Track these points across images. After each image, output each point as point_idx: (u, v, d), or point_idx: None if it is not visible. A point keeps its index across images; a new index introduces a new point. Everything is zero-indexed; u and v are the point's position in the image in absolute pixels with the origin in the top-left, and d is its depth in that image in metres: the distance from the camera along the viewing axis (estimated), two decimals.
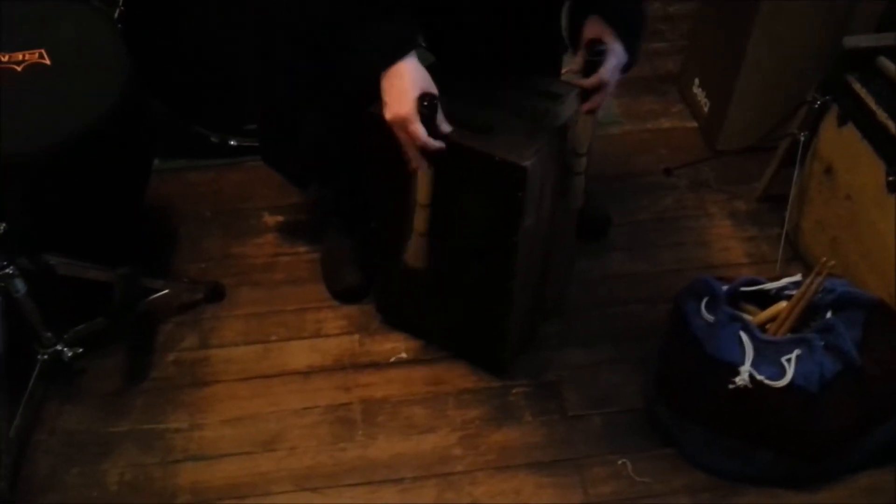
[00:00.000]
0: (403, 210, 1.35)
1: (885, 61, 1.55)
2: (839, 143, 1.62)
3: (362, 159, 1.42)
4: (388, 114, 1.19)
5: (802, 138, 1.71)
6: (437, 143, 1.19)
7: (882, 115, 1.49)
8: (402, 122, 1.18)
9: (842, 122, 1.60)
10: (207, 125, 1.99)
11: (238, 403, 1.52)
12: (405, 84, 1.18)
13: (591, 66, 1.24)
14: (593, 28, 1.25)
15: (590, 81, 1.25)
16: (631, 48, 1.25)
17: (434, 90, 1.20)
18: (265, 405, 1.51)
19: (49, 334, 1.46)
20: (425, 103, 1.17)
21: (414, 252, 1.34)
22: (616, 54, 1.24)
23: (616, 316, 1.67)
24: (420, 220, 1.30)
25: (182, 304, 1.68)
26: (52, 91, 1.44)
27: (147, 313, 1.64)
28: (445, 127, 1.22)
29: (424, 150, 1.20)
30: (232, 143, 2.01)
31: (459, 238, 1.39)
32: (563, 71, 1.27)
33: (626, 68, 1.28)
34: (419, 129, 1.17)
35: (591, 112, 1.30)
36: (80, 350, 1.49)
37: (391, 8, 1.18)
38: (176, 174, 1.99)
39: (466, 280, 1.45)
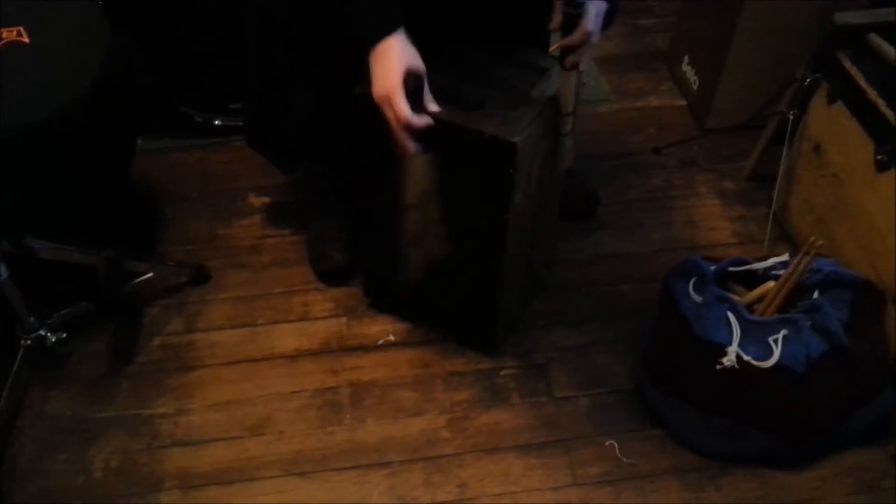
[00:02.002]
0: (392, 191, 1.33)
1: (876, 38, 1.54)
2: (828, 121, 1.61)
3: (353, 136, 1.40)
4: (375, 89, 1.18)
5: (791, 116, 1.70)
6: (422, 120, 1.18)
7: (872, 94, 1.48)
8: (388, 98, 1.17)
9: (831, 100, 1.59)
10: (192, 104, 1.97)
11: (225, 387, 1.51)
12: (391, 60, 1.17)
13: (571, 20, 1.20)
14: None
15: (573, 38, 1.21)
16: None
17: (421, 68, 1.19)
18: (252, 389, 1.51)
19: (32, 319, 1.44)
20: (410, 81, 1.16)
21: (413, 267, 1.29)
22: (595, 3, 1.19)
23: (604, 296, 1.67)
24: (411, 227, 1.26)
25: (167, 287, 1.66)
26: (30, 69, 1.41)
27: (132, 296, 1.62)
28: (432, 106, 1.21)
29: (410, 129, 1.18)
30: (217, 122, 1.99)
31: (450, 217, 1.37)
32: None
33: (609, 17, 1.23)
34: (403, 105, 1.16)
35: (574, 67, 1.26)
36: (64, 335, 1.48)
37: None
38: (161, 154, 1.96)
39: (457, 258, 1.44)
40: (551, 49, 1.26)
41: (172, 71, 1.92)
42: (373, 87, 1.18)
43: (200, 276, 1.68)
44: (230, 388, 1.51)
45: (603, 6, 1.22)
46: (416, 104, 1.18)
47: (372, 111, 1.25)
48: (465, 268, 1.45)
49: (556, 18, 1.22)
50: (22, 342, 1.45)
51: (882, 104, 1.46)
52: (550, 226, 1.61)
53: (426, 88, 1.19)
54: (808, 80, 1.64)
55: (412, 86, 1.17)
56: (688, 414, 1.41)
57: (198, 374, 1.53)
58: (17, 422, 1.45)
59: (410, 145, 1.21)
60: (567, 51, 1.24)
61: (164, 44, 1.88)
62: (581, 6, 1.18)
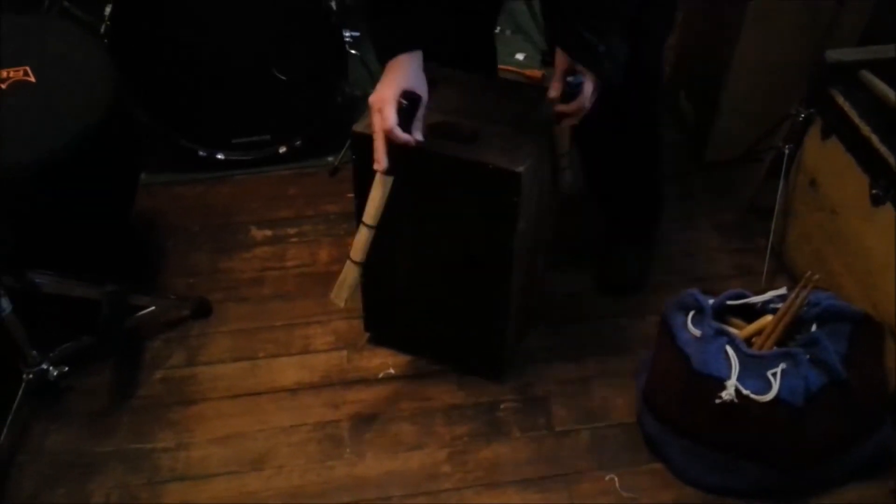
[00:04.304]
0: (391, 229, 1.35)
1: (868, 75, 1.56)
2: (823, 155, 1.63)
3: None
4: (372, 96, 1.24)
5: (787, 151, 1.72)
6: (403, 136, 1.21)
7: (865, 129, 1.50)
8: (379, 105, 1.22)
9: (825, 135, 1.61)
10: (195, 139, 1.99)
11: (225, 421, 1.51)
12: (396, 75, 1.24)
13: (570, 94, 1.28)
14: (563, 59, 1.28)
15: (569, 108, 1.29)
16: (603, 77, 1.27)
17: (422, 93, 1.24)
18: (253, 423, 1.51)
19: (34, 353, 1.45)
20: (406, 99, 1.21)
21: (344, 285, 1.31)
22: (591, 81, 1.27)
23: (603, 329, 1.68)
24: (359, 246, 1.28)
25: (169, 321, 1.67)
26: (36, 108, 1.44)
27: (134, 330, 1.63)
28: (417, 134, 1.25)
29: (389, 141, 1.21)
30: (220, 156, 2.01)
31: (453, 248, 1.40)
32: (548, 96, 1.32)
33: (612, 80, 1.29)
34: (391, 115, 1.21)
35: (572, 124, 1.34)
36: (66, 369, 1.48)
37: (402, 6, 1.25)
38: (164, 188, 1.98)
39: (460, 288, 1.46)
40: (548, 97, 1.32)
41: (175, 106, 1.95)
42: (372, 94, 1.24)
43: (202, 310, 1.69)
44: (231, 422, 1.51)
45: (598, 84, 1.28)
46: (405, 124, 1.22)
47: (368, 150, 1.28)
48: (468, 297, 1.46)
49: (556, 87, 1.29)
50: (24, 376, 1.46)
51: (875, 139, 1.48)
52: (544, 254, 1.63)
53: (419, 115, 1.24)
54: (802, 116, 1.66)
55: (405, 105, 1.22)
56: (687, 447, 1.41)
57: (199, 407, 1.53)
58: (17, 456, 1.45)
59: (383, 160, 1.24)
60: (562, 115, 1.32)
61: (167, 80, 1.91)
62: (579, 84, 1.26)
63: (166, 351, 1.63)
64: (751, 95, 1.90)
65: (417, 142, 1.24)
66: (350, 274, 1.31)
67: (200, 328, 1.67)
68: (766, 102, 1.89)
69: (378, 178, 1.25)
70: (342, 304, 1.33)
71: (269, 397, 1.55)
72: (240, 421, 1.51)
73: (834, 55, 1.59)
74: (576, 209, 1.84)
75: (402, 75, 1.24)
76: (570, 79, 1.27)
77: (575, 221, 1.84)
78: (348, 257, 1.31)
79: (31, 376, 1.46)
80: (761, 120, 1.90)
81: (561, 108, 1.30)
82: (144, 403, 1.54)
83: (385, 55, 1.27)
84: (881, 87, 1.53)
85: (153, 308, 1.63)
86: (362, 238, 1.28)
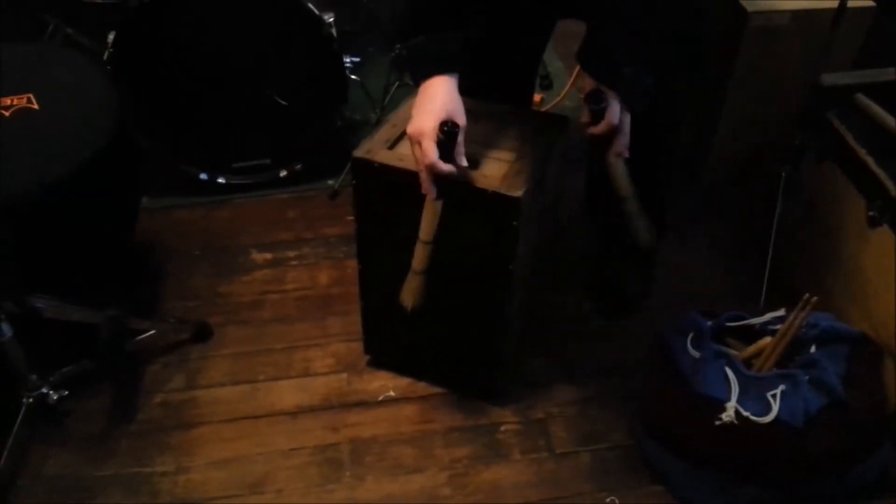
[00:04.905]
0: (390, 253, 1.36)
1: (863, 98, 1.58)
2: (820, 178, 1.64)
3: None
4: (411, 127, 1.24)
5: (784, 173, 1.73)
6: (446, 167, 1.23)
7: (861, 152, 1.51)
8: (418, 138, 1.23)
9: (822, 157, 1.62)
10: (196, 163, 2.01)
11: (225, 445, 1.51)
12: (434, 105, 1.23)
13: (598, 115, 1.30)
14: (588, 82, 1.30)
15: (598, 129, 1.30)
16: (626, 97, 1.28)
17: (461, 119, 1.24)
18: (252, 446, 1.51)
19: (34, 377, 1.46)
20: (445, 128, 1.21)
21: (410, 291, 1.34)
22: (617, 101, 1.28)
23: (603, 351, 1.68)
24: (419, 258, 1.32)
25: (169, 344, 1.67)
26: (40, 136, 1.45)
27: (133, 354, 1.63)
28: (462, 160, 1.26)
29: (434, 175, 1.23)
30: (220, 180, 2.03)
31: (454, 271, 1.41)
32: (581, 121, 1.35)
33: (636, 106, 1.31)
34: (431, 148, 1.21)
35: (619, 156, 1.35)
36: (66, 393, 1.48)
37: (443, 25, 1.25)
38: (165, 212, 2.00)
39: (460, 310, 1.46)
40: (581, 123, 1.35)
41: (176, 130, 1.96)
42: (410, 122, 1.25)
43: (202, 333, 1.69)
44: (230, 445, 1.51)
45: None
46: (446, 152, 1.23)
47: (369, 175, 1.29)
48: (468, 319, 1.47)
49: (585, 114, 1.32)
50: (24, 400, 1.46)
51: (871, 162, 1.49)
52: (544, 276, 1.64)
53: (460, 140, 1.25)
54: (798, 139, 1.67)
55: (444, 133, 1.22)
56: (687, 469, 1.40)
57: (198, 431, 1.53)
58: (17, 481, 1.44)
59: (431, 189, 1.26)
60: (602, 143, 1.33)
61: (169, 104, 1.93)
62: (602, 102, 1.28)
63: (166, 374, 1.63)
64: (748, 118, 1.92)
65: (461, 169, 1.26)
66: (413, 281, 1.34)
67: (200, 352, 1.67)
68: (763, 125, 1.91)
69: (428, 202, 1.27)
70: (409, 307, 1.35)
71: (268, 420, 1.55)
72: (239, 444, 1.51)
73: (829, 79, 1.61)
74: (574, 230, 1.86)
75: (439, 103, 1.23)
76: (591, 106, 1.30)
77: (573, 242, 1.85)
78: (411, 267, 1.34)
79: (30, 400, 1.46)
80: (758, 142, 1.92)
81: (592, 130, 1.31)
82: (144, 427, 1.54)
83: (420, 75, 1.26)
84: (877, 110, 1.55)
85: (153, 332, 1.63)
86: (420, 252, 1.31)
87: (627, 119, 1.31)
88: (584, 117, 1.33)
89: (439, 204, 1.27)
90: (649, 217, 1.40)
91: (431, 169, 1.22)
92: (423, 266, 1.32)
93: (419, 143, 1.23)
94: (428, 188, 1.26)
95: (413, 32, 1.27)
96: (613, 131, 1.30)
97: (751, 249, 1.86)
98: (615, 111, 1.28)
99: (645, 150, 1.38)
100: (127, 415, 1.56)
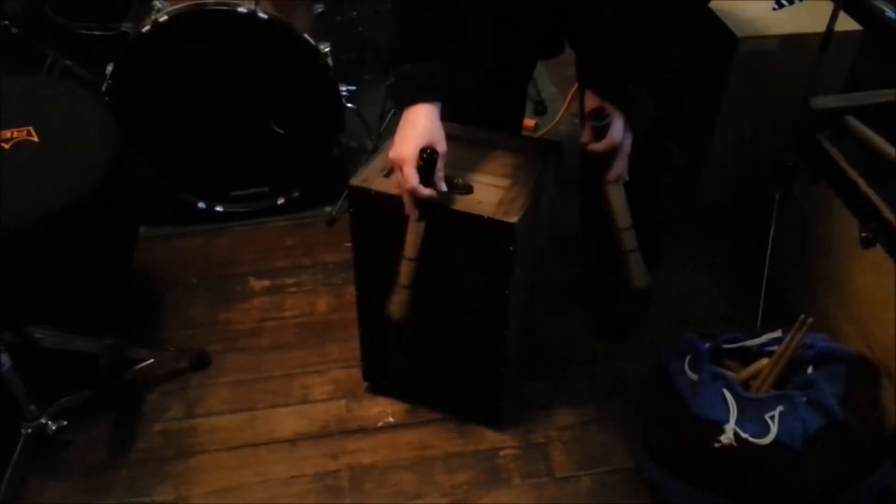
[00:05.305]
0: (388, 279, 1.37)
1: (853, 121, 1.60)
2: (812, 200, 1.66)
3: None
4: (392, 152, 1.29)
5: (777, 195, 1.75)
6: (426, 192, 1.27)
7: (853, 174, 1.53)
8: (400, 163, 1.27)
9: (814, 179, 1.64)
10: (194, 192, 2.02)
11: (224, 474, 1.50)
12: (415, 131, 1.27)
13: (600, 132, 1.30)
14: (592, 99, 1.31)
15: (600, 146, 1.31)
16: (629, 115, 1.29)
17: (441, 146, 1.28)
18: (252, 475, 1.50)
19: (33, 407, 1.45)
20: (424, 155, 1.26)
21: (397, 304, 1.37)
22: (620, 118, 1.29)
23: (602, 374, 1.68)
24: (405, 273, 1.35)
25: (168, 373, 1.67)
26: (39, 168, 1.46)
27: (132, 383, 1.63)
28: (441, 185, 1.29)
29: (415, 197, 1.27)
30: (218, 209, 2.04)
31: (451, 296, 1.42)
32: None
33: (638, 127, 1.32)
34: (412, 174, 1.25)
35: (618, 180, 1.34)
36: (65, 423, 1.48)
37: (429, 54, 1.28)
38: (163, 241, 2.00)
39: (459, 336, 1.47)
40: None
41: (174, 159, 1.98)
42: (392, 149, 1.29)
43: (201, 361, 1.70)
44: (230, 474, 1.50)
45: (627, 122, 1.30)
46: (426, 177, 1.27)
47: (364, 202, 1.30)
48: (467, 345, 1.48)
49: (586, 132, 1.33)
50: (22, 430, 1.45)
51: (863, 183, 1.51)
52: (540, 300, 1.64)
53: (440, 166, 1.28)
54: (790, 161, 1.69)
55: (426, 160, 1.26)
56: (687, 492, 1.40)
57: (197, 460, 1.53)
58: None
59: (413, 211, 1.29)
60: (600, 164, 1.33)
61: (167, 134, 1.94)
62: (605, 119, 1.29)
63: (165, 403, 1.63)
64: (740, 140, 1.94)
65: (440, 193, 1.29)
66: (400, 294, 1.36)
67: (199, 380, 1.68)
68: (756, 147, 1.93)
69: (412, 223, 1.31)
70: (395, 318, 1.37)
71: (267, 448, 1.55)
72: (239, 473, 1.51)
73: (819, 102, 1.63)
74: (571, 253, 1.87)
75: (420, 130, 1.27)
76: (594, 122, 1.30)
77: (570, 265, 1.87)
78: (398, 282, 1.36)
79: (29, 431, 1.46)
80: (751, 165, 1.94)
81: (592, 146, 1.32)
82: (143, 457, 1.53)
83: (404, 102, 1.30)
84: (866, 132, 1.57)
85: (152, 361, 1.64)
86: (406, 268, 1.34)
87: (629, 141, 1.31)
88: (585, 136, 1.33)
89: (422, 224, 1.31)
90: (644, 244, 1.39)
91: (412, 193, 1.27)
92: (409, 281, 1.35)
93: (400, 169, 1.27)
94: (411, 210, 1.30)
95: (400, 60, 1.31)
96: (613, 151, 1.31)
97: (746, 271, 1.87)
98: (618, 128, 1.29)
99: (642, 174, 1.39)
100: (126, 444, 1.55)
